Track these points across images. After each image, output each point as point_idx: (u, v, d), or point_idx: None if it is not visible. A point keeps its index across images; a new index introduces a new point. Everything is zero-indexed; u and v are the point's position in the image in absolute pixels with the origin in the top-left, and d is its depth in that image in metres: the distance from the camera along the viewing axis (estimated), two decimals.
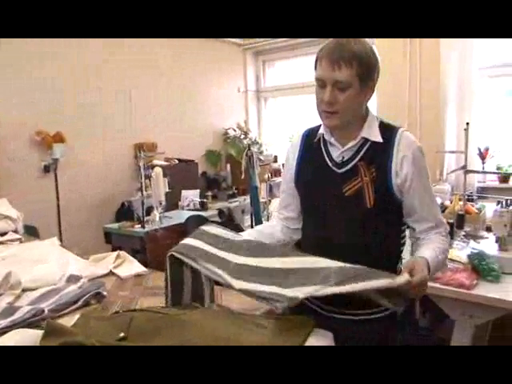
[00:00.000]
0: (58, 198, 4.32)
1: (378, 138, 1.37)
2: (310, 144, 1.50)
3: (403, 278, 1.07)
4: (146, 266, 2.26)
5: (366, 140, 1.39)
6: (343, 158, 1.41)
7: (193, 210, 4.63)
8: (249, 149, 3.18)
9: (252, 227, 3.11)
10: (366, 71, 1.31)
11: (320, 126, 1.48)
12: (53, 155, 4.21)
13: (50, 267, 2.19)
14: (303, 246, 1.58)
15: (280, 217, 1.62)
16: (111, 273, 2.18)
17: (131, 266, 2.25)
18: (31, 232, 3.38)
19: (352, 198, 1.38)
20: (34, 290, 1.91)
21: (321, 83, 1.33)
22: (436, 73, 4.71)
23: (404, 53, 4.90)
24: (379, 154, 1.37)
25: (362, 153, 1.39)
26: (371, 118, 1.42)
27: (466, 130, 3.07)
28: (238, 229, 3.00)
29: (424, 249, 1.35)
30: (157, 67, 5.21)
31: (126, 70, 4.89)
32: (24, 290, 1.89)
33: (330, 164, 1.43)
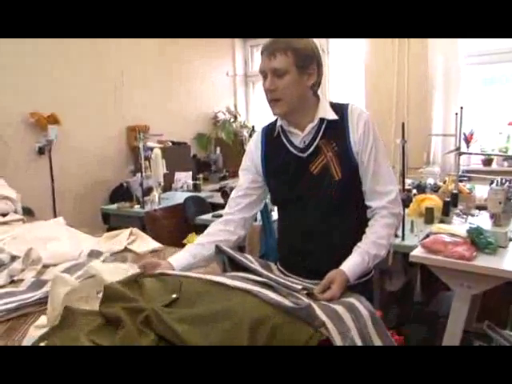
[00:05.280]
0: (52, 180, 4.29)
1: (334, 116, 1.48)
2: (271, 139, 1.58)
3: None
4: None
5: (322, 120, 1.49)
6: (305, 142, 1.50)
7: (186, 191, 4.65)
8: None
9: None
10: (303, 60, 1.42)
11: (277, 120, 1.58)
12: (47, 137, 4.18)
13: (63, 245, 2.20)
14: (283, 237, 1.68)
15: (238, 206, 1.62)
16: (126, 249, 2.20)
17: (146, 243, 2.29)
18: (28, 213, 3.36)
19: (320, 176, 1.47)
20: (54, 265, 1.94)
21: (263, 75, 1.46)
22: (424, 59, 4.82)
23: (392, 40, 4.99)
24: (337, 130, 1.48)
25: (321, 133, 1.49)
26: (323, 101, 1.52)
27: (459, 114, 3.19)
28: None
29: (355, 254, 1.43)
30: (147, 51, 5.18)
31: (118, 53, 4.85)
32: (45, 266, 1.92)
33: (294, 151, 1.52)
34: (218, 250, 1.43)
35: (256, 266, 1.36)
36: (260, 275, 1.26)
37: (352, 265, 1.38)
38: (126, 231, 2.38)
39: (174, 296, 1.17)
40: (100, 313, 1.15)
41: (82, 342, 1.03)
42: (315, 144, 1.49)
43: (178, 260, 1.51)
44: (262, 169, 1.60)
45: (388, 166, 1.53)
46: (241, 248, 3.40)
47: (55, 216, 4.11)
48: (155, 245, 2.25)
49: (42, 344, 1.05)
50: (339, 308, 1.10)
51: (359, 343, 1.03)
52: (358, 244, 1.45)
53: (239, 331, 1.00)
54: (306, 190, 1.51)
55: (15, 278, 1.81)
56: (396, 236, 2.61)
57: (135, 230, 2.42)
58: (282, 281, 1.25)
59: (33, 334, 1.18)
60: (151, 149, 3.94)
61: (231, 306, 1.08)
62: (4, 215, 2.87)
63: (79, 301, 1.24)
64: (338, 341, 0.99)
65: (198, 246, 1.56)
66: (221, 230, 1.60)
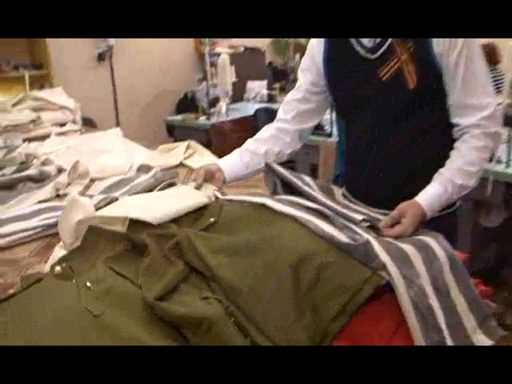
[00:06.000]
0: (114, 89, 4.31)
1: None
2: None
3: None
4: None
5: None
6: (375, 40, 1.30)
7: (259, 102, 4.53)
8: None
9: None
10: None
11: None
12: (106, 42, 4.14)
13: (116, 158, 2.20)
14: (348, 157, 1.53)
15: (294, 112, 1.49)
16: (181, 165, 2.16)
17: (203, 158, 2.22)
18: (89, 124, 3.41)
19: (391, 82, 1.29)
20: (101, 180, 1.93)
21: None
22: None
23: None
24: None
25: None
26: None
27: None
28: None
29: (435, 182, 1.23)
30: None
31: None
32: (92, 180, 1.93)
33: (361, 52, 1.33)
34: (269, 168, 1.30)
35: (313, 189, 1.22)
36: (314, 200, 1.13)
37: (430, 196, 1.20)
38: (183, 144, 2.32)
39: (212, 220, 1.10)
40: (127, 237, 1.09)
41: (97, 268, 0.98)
42: (387, 43, 1.27)
43: (231, 172, 1.44)
44: (324, 70, 1.43)
45: (485, 72, 1.27)
46: (314, 166, 3.27)
47: (118, 127, 4.17)
48: (212, 159, 2.16)
49: (57, 268, 1.01)
50: (408, 247, 0.95)
51: (430, 292, 0.89)
52: (440, 170, 1.25)
53: (280, 268, 0.90)
54: (372, 100, 1.33)
55: (61, 193, 1.82)
56: (497, 162, 2.35)
57: (193, 144, 2.35)
58: (341, 209, 1.10)
59: (57, 254, 1.15)
60: (219, 55, 3.80)
61: (274, 235, 0.97)
62: (62, 125, 2.90)
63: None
64: (400, 287, 0.85)
65: (250, 154, 1.48)
66: (274, 137, 1.50)
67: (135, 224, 1.10)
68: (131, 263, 1.02)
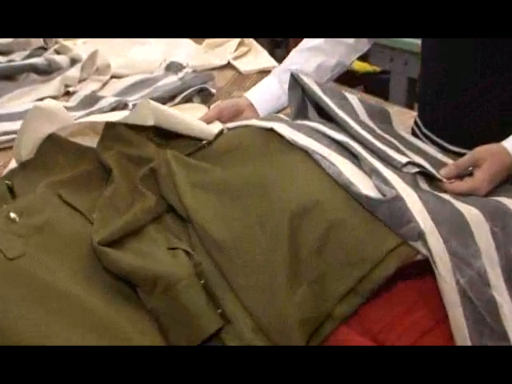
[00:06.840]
0: None
1: None
2: None
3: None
4: None
5: None
6: None
7: None
8: None
9: None
10: None
11: None
12: None
13: (150, 51, 2.12)
14: (425, 72, 1.25)
15: None
16: (229, 65, 2.05)
17: (257, 59, 2.09)
18: None
19: None
20: (123, 78, 1.85)
21: None
22: None
23: None
24: None
25: None
26: None
27: None
28: None
29: None
30: None
31: None
32: (113, 77, 1.84)
33: None
34: (295, 82, 1.07)
35: (356, 114, 0.99)
36: (347, 130, 0.92)
37: None
38: (234, 40, 2.16)
39: (204, 142, 0.96)
40: (96, 155, 0.96)
41: (34, 194, 0.84)
42: None
43: (267, 107, 1.22)
44: None
45: None
46: (412, 81, 2.97)
47: None
48: (269, 63, 2.02)
49: None
50: (470, 211, 0.72)
51: (496, 280, 0.69)
52: None
53: (275, 220, 0.74)
54: None
55: (71, 89, 1.74)
56: None
57: (248, 40, 2.18)
58: (380, 145, 0.88)
59: (12, 167, 1.04)
60: None
61: (275, 175, 0.81)
62: None
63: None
64: (444, 267, 0.66)
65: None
66: (330, 42, 1.22)
67: (109, 139, 0.96)
68: (90, 192, 0.88)
